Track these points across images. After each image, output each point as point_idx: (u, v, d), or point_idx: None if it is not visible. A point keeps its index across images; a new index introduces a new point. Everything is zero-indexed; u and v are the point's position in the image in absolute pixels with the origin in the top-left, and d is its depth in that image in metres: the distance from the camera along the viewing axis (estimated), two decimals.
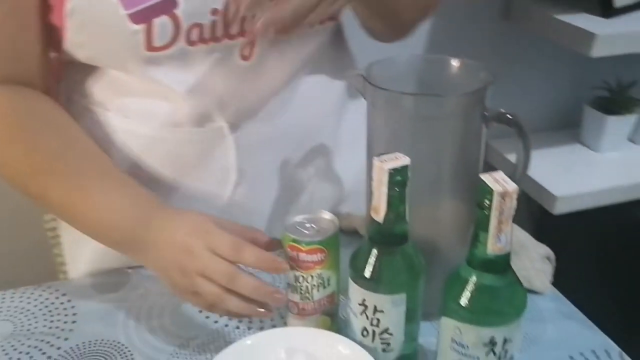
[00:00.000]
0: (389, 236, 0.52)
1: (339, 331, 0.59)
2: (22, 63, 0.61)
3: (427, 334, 0.59)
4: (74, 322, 0.65)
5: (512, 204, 0.45)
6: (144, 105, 0.63)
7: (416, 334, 0.57)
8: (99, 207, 0.58)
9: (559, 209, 1.23)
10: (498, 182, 0.45)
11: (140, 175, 0.64)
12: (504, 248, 0.47)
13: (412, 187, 0.50)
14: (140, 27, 0.55)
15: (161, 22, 0.56)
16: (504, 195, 0.45)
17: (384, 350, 0.55)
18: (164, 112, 0.63)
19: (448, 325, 0.50)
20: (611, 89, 1.36)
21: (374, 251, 0.52)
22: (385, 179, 0.49)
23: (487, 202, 0.45)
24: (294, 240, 0.56)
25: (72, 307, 0.67)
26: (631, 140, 1.43)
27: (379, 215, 0.50)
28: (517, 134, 0.59)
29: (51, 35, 0.60)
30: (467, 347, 0.49)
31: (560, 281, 0.71)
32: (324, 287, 0.58)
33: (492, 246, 0.46)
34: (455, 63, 0.62)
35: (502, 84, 1.34)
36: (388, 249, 0.52)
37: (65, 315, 0.66)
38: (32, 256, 0.96)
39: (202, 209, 0.61)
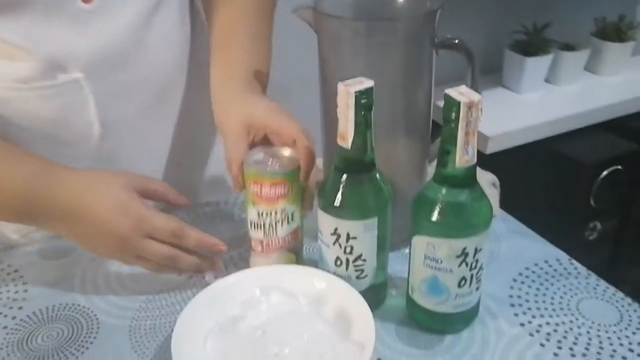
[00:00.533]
0: (357, 162, 0.52)
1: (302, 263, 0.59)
2: None
3: (393, 263, 0.60)
4: (25, 290, 0.61)
5: (477, 114, 0.46)
6: None
7: (386, 263, 0.58)
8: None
9: (491, 148, 1.29)
10: (463, 94, 0.46)
11: None
12: (471, 160, 0.48)
13: None
14: None
15: None
16: (470, 105, 0.46)
17: (357, 277, 0.55)
18: (6, 69, 0.57)
19: (421, 242, 0.52)
20: (528, 32, 1.43)
21: (343, 179, 0.52)
22: (351, 102, 0.48)
23: (454, 114, 0.46)
24: (256, 175, 0.55)
25: (21, 276, 0.62)
26: (547, 81, 1.51)
27: (347, 141, 0.50)
28: (466, 58, 0.61)
29: None
30: (441, 261, 0.51)
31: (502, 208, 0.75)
32: (288, 223, 0.57)
33: (460, 159, 0.48)
34: None
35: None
36: (356, 176, 0.53)
37: (15, 285, 0.61)
38: None
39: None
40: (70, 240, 0.57)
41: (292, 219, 0.57)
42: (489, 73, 1.53)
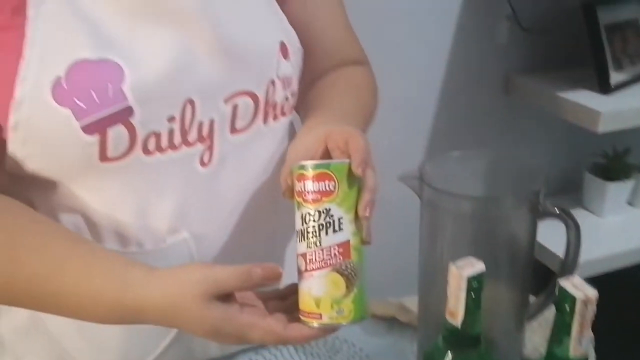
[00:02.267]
0: (465, 339, 0.53)
1: (360, 305, 0.51)
2: None
3: None
4: None
5: (593, 308, 0.47)
6: (102, 221, 0.58)
7: None
8: (83, 274, 0.52)
9: None
10: (577, 287, 0.47)
11: None
12: (585, 352, 0.48)
13: None
14: (94, 138, 0.52)
15: (116, 132, 0.53)
16: (586, 302, 0.46)
17: None
18: (124, 229, 0.59)
19: None
20: (608, 157, 1.43)
21: (449, 354, 0.53)
22: (463, 285, 0.50)
23: (568, 307, 0.47)
24: (301, 169, 0.51)
25: None
26: (630, 203, 1.48)
27: (457, 320, 0.52)
28: (567, 227, 0.62)
29: None
30: None
31: None
32: (334, 231, 0.50)
33: (575, 350, 0.48)
34: (506, 159, 0.65)
35: (503, 150, 1.39)
36: (464, 351, 0.53)
37: None
38: None
39: (159, 335, 0.62)
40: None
41: (340, 227, 0.50)
42: (568, 192, 1.51)
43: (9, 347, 0.66)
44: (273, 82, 0.61)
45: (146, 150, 0.56)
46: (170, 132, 0.56)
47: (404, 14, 1.24)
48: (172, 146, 0.57)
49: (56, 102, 0.51)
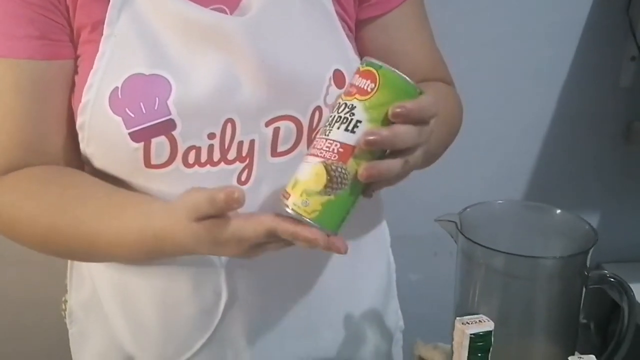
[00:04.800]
0: None
1: (329, 215, 0.49)
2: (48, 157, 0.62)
3: None
4: None
5: None
6: None
7: None
8: (118, 212, 0.58)
9: None
10: None
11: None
12: None
13: (500, 337, 0.47)
14: (139, 145, 0.57)
15: (159, 142, 0.57)
16: None
17: None
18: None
19: None
20: None
21: None
22: (465, 343, 0.47)
23: None
24: (362, 62, 0.50)
25: None
26: None
27: None
28: (621, 299, 0.55)
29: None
30: None
31: None
32: (346, 129, 0.47)
33: None
34: (554, 213, 0.60)
35: (621, 204, 1.26)
36: None
37: None
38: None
39: (194, 335, 0.63)
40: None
41: (354, 129, 0.47)
42: None
43: (75, 320, 0.74)
44: (319, 109, 0.61)
45: (186, 163, 0.59)
46: (210, 148, 0.59)
47: (519, 49, 1.18)
48: (211, 162, 0.60)
49: (111, 109, 0.57)
